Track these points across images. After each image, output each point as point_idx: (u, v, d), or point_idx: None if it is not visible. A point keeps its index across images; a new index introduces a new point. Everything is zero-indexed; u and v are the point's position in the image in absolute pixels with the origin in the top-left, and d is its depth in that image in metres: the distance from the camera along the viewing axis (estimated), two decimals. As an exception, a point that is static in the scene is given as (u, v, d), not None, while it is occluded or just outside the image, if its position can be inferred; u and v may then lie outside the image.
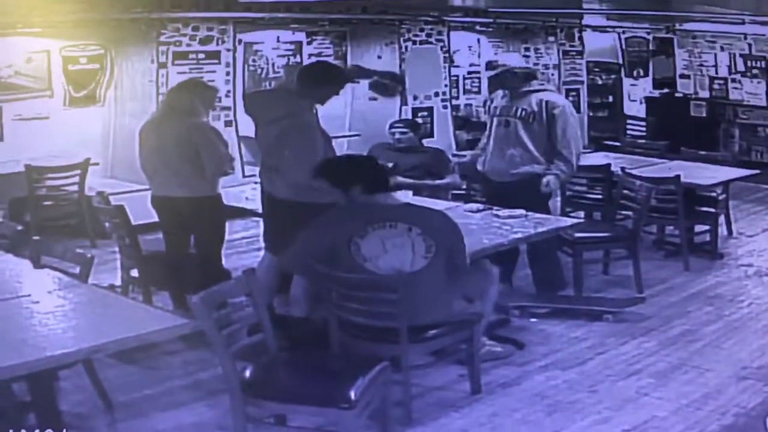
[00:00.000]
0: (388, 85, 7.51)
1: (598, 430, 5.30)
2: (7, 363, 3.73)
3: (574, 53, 14.93)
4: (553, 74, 14.39)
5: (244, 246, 8.91)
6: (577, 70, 15.00)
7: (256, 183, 7.06)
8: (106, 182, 9.72)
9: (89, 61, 10.32)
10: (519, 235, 6.44)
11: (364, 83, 11.12)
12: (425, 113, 12.51)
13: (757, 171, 10.07)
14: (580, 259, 7.67)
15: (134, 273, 6.81)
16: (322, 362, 4.98)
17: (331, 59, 11.93)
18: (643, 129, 15.87)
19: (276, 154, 6.29)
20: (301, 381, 4.67)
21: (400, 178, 8.24)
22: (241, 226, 8.96)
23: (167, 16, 10.02)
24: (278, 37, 11.73)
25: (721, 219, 9.64)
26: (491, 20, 13.42)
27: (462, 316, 5.60)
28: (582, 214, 9.47)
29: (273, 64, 11.72)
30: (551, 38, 14.54)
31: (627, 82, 16.40)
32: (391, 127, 8.96)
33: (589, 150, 11.81)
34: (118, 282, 7.02)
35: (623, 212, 8.47)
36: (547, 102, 7.46)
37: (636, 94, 16.43)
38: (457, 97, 13.70)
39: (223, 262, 7.01)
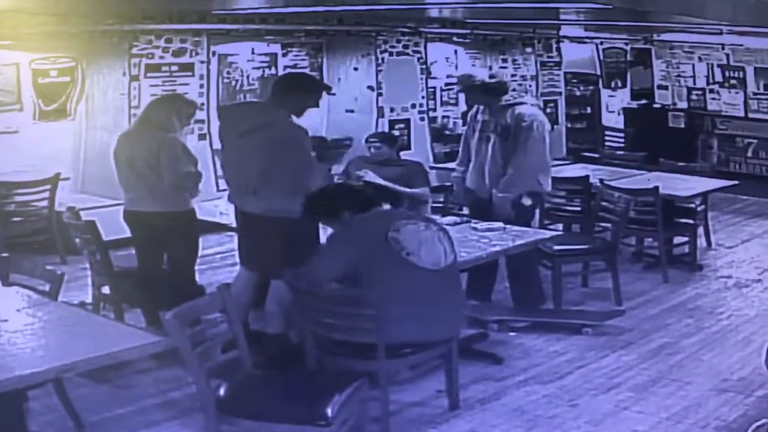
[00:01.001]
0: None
1: (579, 446, 5.28)
2: (-26, 383, 3.67)
3: (552, 64, 14.94)
4: (530, 85, 14.37)
5: (218, 261, 8.85)
6: (555, 81, 15.00)
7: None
8: (76, 197, 9.62)
9: (59, 73, 10.19)
10: (497, 248, 6.44)
11: (341, 94, 11.16)
12: (402, 125, 12.46)
13: (736, 182, 10.09)
14: (559, 272, 7.65)
15: (106, 290, 6.76)
16: (298, 379, 4.94)
17: (306, 71, 11.89)
18: (622, 140, 15.88)
19: (249, 168, 6.20)
20: (276, 399, 4.62)
21: (372, 176, 8.27)
22: (215, 240, 8.88)
23: (139, 27, 9.89)
24: (253, 49, 11.65)
25: (700, 230, 9.68)
26: (468, 31, 13.39)
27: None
28: (560, 226, 9.51)
29: (248, 77, 11.62)
30: (529, 49, 14.53)
31: (605, 93, 16.40)
32: (367, 140, 8.94)
33: (567, 162, 11.82)
34: (89, 299, 6.98)
35: (602, 224, 8.50)
36: (518, 115, 7.34)
37: (614, 105, 16.45)
38: (435, 109, 13.65)
39: (197, 277, 6.95)
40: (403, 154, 9.47)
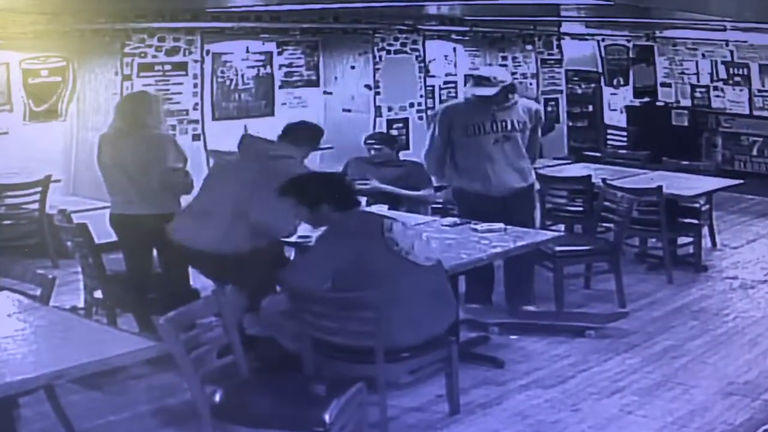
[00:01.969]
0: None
1: (582, 451, 5.28)
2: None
3: (553, 62, 14.91)
4: (531, 83, 14.32)
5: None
6: (555, 79, 14.98)
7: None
8: (68, 200, 9.60)
9: (50, 73, 10.14)
10: (498, 250, 6.36)
11: (338, 94, 11.10)
12: (400, 125, 12.39)
13: (741, 181, 10.08)
14: (561, 274, 7.61)
15: (98, 294, 6.71)
16: (295, 384, 4.87)
17: (302, 70, 11.92)
18: (624, 139, 15.88)
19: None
20: (273, 404, 4.58)
21: (377, 183, 8.28)
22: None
23: (132, 26, 9.81)
24: (248, 48, 11.60)
25: (705, 230, 9.63)
26: (467, 29, 13.34)
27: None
28: (562, 227, 9.47)
29: (242, 76, 11.57)
30: (529, 47, 14.48)
31: (607, 90, 16.40)
32: (365, 141, 8.89)
33: (568, 161, 11.80)
34: (81, 304, 6.96)
35: (604, 224, 8.45)
36: (528, 108, 7.51)
37: (616, 103, 16.40)
38: (433, 108, 13.55)
39: (191, 281, 6.85)
40: (402, 155, 9.40)
